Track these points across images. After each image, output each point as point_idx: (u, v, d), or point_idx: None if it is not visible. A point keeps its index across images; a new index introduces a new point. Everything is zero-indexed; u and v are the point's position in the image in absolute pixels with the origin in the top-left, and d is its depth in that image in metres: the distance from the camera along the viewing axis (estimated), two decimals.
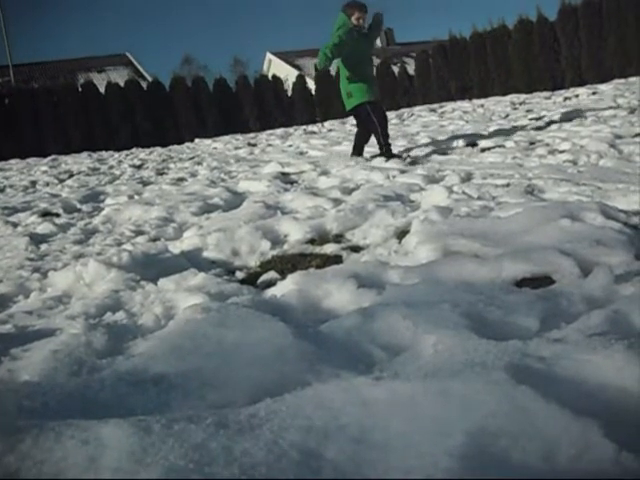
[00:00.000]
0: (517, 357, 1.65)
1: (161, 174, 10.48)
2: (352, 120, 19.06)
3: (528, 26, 24.19)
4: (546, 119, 11.51)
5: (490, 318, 2.16)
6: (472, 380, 1.49)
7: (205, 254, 4.08)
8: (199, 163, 11.64)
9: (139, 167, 12.37)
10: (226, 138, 17.98)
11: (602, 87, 17.00)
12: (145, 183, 9.08)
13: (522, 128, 10.60)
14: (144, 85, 25.42)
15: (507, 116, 13.34)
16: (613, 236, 3.19)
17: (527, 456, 1.23)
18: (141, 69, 36.04)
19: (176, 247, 4.25)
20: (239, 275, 3.68)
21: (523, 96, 18.27)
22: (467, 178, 5.97)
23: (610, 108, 11.71)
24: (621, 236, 3.21)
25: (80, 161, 14.86)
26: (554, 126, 10.35)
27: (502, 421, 1.32)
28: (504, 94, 20.99)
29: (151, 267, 3.69)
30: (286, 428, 1.38)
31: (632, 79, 18.42)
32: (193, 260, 3.93)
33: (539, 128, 10.26)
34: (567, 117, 11.15)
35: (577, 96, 15.88)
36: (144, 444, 1.31)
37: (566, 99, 15.66)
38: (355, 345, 2.07)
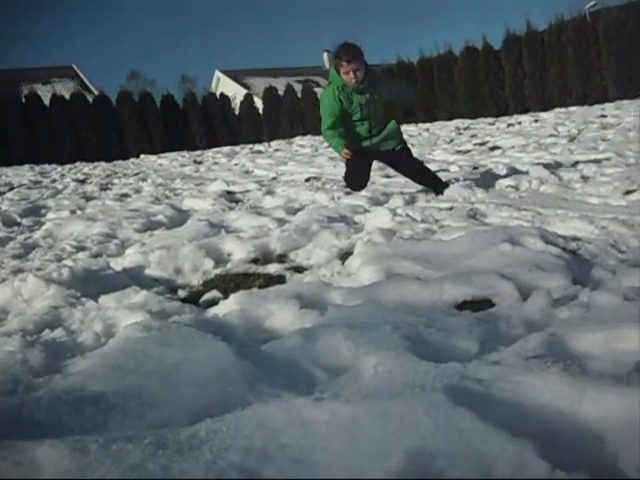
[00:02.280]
0: (456, 379, 1.68)
1: (105, 189, 10.36)
2: (298, 140, 19.16)
3: (474, 53, 24.74)
4: (490, 144, 11.75)
5: (430, 340, 2.18)
6: (411, 401, 1.50)
7: (147, 272, 4.03)
8: (144, 179, 11.54)
9: (83, 182, 12.21)
10: (172, 155, 17.89)
11: (544, 115, 17.45)
12: (88, 198, 8.96)
13: (466, 152, 10.79)
14: (90, 99, 25.14)
15: (452, 141, 13.57)
16: (552, 261, 3.26)
17: (464, 476, 1.26)
18: (87, 82, 35.66)
19: (118, 264, 4.19)
20: (181, 293, 3.65)
21: (468, 121, 18.63)
22: (411, 201, 6.04)
23: (551, 136, 12.01)
24: (559, 261, 3.28)
25: (22, 174, 14.60)
26: (497, 152, 10.56)
27: (440, 442, 1.34)
28: (449, 119, 21.38)
29: (92, 284, 3.63)
30: (226, 448, 1.38)
31: (572, 108, 18.95)
32: (135, 277, 3.88)
33: (482, 153, 10.46)
34: (510, 143, 11.39)
35: (520, 123, 16.25)
36: (80, 465, 1.29)
37: (509, 125, 16.02)
38: (296, 365, 2.07)
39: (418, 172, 6.62)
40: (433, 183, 6.43)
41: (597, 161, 7.93)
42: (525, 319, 2.44)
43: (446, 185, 6.30)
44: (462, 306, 2.78)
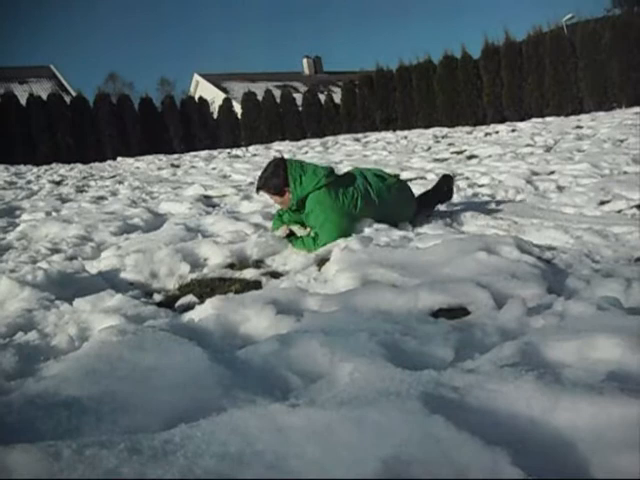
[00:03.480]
0: (431, 387, 1.68)
1: (81, 191, 10.29)
2: (276, 145, 19.17)
3: (453, 62, 24.90)
4: (467, 153, 11.82)
5: (406, 347, 2.19)
6: (387, 409, 1.51)
7: (123, 275, 4.01)
8: (120, 182, 11.48)
9: (58, 183, 12.11)
10: (149, 158, 17.80)
11: (521, 125, 17.59)
12: (64, 200, 8.89)
13: (443, 161, 10.85)
14: (67, 100, 24.95)
15: (429, 148, 13.64)
16: (527, 270, 3.29)
17: None
18: (65, 83, 35.37)
19: (93, 267, 4.17)
20: (157, 298, 3.64)
21: (446, 130, 18.74)
22: None
23: (528, 145, 12.12)
24: (535, 270, 3.31)
25: None
26: (474, 160, 10.63)
27: (415, 449, 1.34)
28: (427, 127, 21.49)
29: (67, 287, 3.61)
30: (201, 454, 1.37)
31: (549, 119, 19.14)
32: (110, 281, 3.86)
33: (460, 161, 10.52)
34: (487, 152, 11.47)
35: (497, 132, 16.38)
36: (53, 470, 1.28)
37: (487, 135, 16.13)
38: (272, 371, 2.07)
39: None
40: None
41: (573, 171, 8.01)
42: (500, 327, 2.45)
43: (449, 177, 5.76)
44: (438, 314, 2.80)
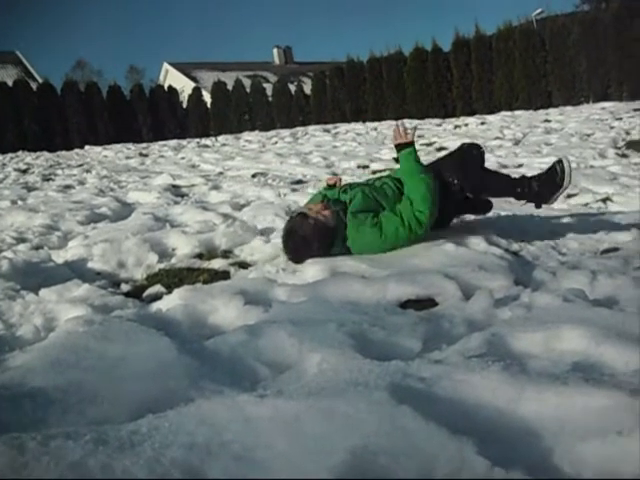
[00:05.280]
0: (399, 377, 1.69)
1: (47, 180, 10.16)
2: (246, 136, 19.11)
3: (423, 55, 24.99)
4: (436, 145, 11.88)
5: (374, 338, 2.20)
6: (355, 399, 1.51)
7: (90, 265, 3.97)
8: (88, 171, 11.36)
9: (24, 172, 11.95)
10: (117, 147, 17.63)
11: (490, 118, 17.71)
12: (30, 189, 8.78)
13: None
14: (34, 86, 24.61)
15: None
16: (495, 262, 3.32)
17: (406, 473, 1.27)
18: (31, 69, 34.82)
19: (60, 256, 4.12)
20: (124, 288, 3.61)
21: (416, 121, 18.77)
22: None
23: (497, 138, 12.21)
24: (502, 262, 3.34)
25: None
26: (443, 152, 10.65)
27: (383, 440, 1.35)
28: (397, 118, 21.47)
29: (32, 276, 3.56)
30: (168, 445, 1.36)
31: (518, 112, 19.30)
32: (77, 271, 3.82)
33: (429, 154, 10.57)
34: (456, 144, 11.51)
35: (467, 125, 16.47)
36: (16, 463, 1.27)
37: (456, 127, 16.22)
38: (240, 362, 2.07)
39: None
40: None
41: (541, 165, 8.08)
42: (467, 318, 2.47)
43: None
44: (406, 305, 2.81)
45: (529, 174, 4.20)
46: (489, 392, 1.63)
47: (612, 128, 12.46)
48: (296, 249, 3.69)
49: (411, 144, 3.64)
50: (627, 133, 11.37)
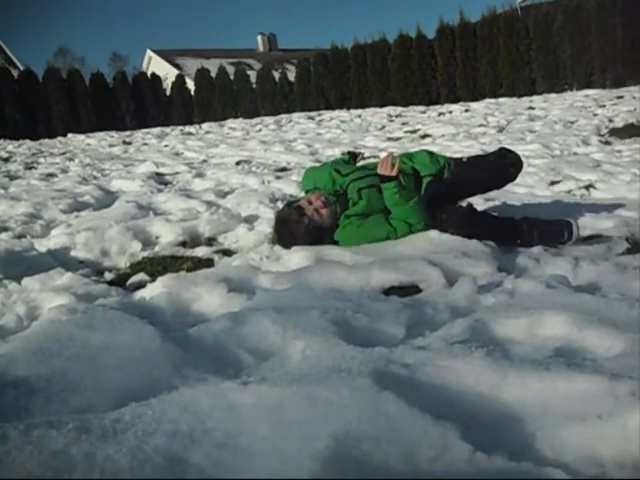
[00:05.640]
0: (382, 363, 1.70)
1: (30, 168, 10.07)
2: (230, 123, 19.04)
3: (407, 42, 24.94)
4: (420, 132, 11.88)
5: (358, 325, 2.20)
6: (338, 386, 1.52)
7: (73, 253, 3.95)
8: (71, 159, 11.27)
9: (6, 160, 11.83)
10: (101, 134, 17.50)
11: (474, 105, 17.72)
12: (12, 177, 8.70)
13: (397, 140, 10.89)
14: (15, 74, 24.36)
15: (383, 127, 13.67)
16: (478, 248, 3.33)
17: (389, 458, 1.27)
18: (12, 56, 34.47)
19: (43, 245, 4.10)
20: (108, 276, 3.60)
21: (400, 109, 18.77)
22: None
23: (481, 126, 12.23)
24: (485, 248, 3.35)
25: None
26: (428, 140, 10.70)
27: (366, 426, 1.35)
28: (381, 106, 21.48)
29: (15, 265, 3.54)
30: (151, 433, 1.36)
31: (502, 99, 19.31)
32: (60, 259, 3.80)
33: (413, 141, 10.57)
34: (440, 132, 11.55)
35: (451, 112, 16.47)
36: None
37: (440, 114, 16.21)
38: (223, 349, 2.07)
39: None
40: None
41: (524, 152, 8.11)
42: (451, 305, 2.48)
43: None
44: (389, 292, 2.82)
45: (533, 217, 3.89)
46: (472, 378, 1.64)
47: (595, 115, 12.51)
48: (284, 241, 3.72)
49: (395, 178, 3.58)
50: (610, 121, 11.41)
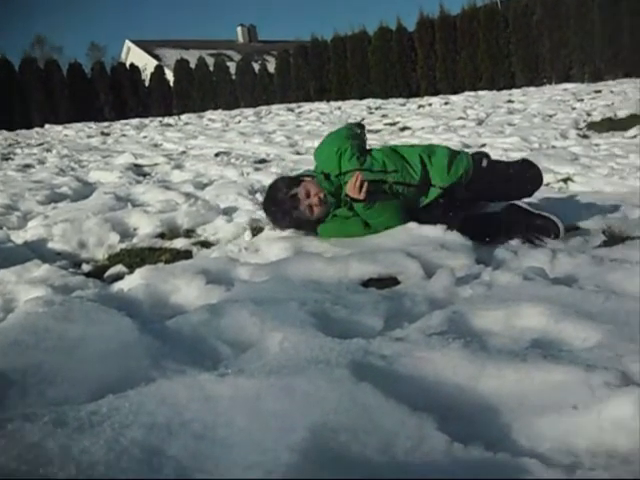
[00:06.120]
0: (360, 355, 1.70)
1: (6, 159, 9.97)
2: (209, 114, 18.97)
3: (388, 34, 24.98)
4: (400, 125, 11.90)
5: (336, 316, 2.20)
6: (316, 377, 1.52)
7: (50, 245, 3.92)
8: (48, 150, 11.18)
9: None
10: (78, 125, 17.37)
11: (454, 98, 17.79)
12: None
13: (376, 132, 10.90)
14: None
15: (363, 120, 13.67)
16: (457, 241, 3.33)
17: (366, 450, 1.28)
18: None
19: (19, 237, 4.07)
20: (85, 268, 3.57)
21: (379, 101, 18.79)
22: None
23: (460, 118, 12.28)
24: (464, 241, 3.36)
25: None
26: (407, 132, 10.72)
27: (343, 417, 1.36)
28: (361, 98, 21.50)
29: None
30: (128, 425, 1.36)
31: (481, 92, 19.40)
32: (37, 251, 3.77)
33: (392, 133, 10.59)
34: (420, 124, 11.57)
35: (430, 105, 16.52)
36: None
37: (420, 107, 16.26)
38: (202, 341, 2.06)
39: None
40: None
41: (503, 145, 8.16)
42: (429, 297, 2.48)
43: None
44: (368, 283, 2.82)
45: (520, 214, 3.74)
46: (450, 369, 1.64)
47: (574, 109, 12.60)
48: (268, 216, 3.79)
49: (362, 201, 3.52)
50: (588, 114, 11.50)
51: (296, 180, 3.68)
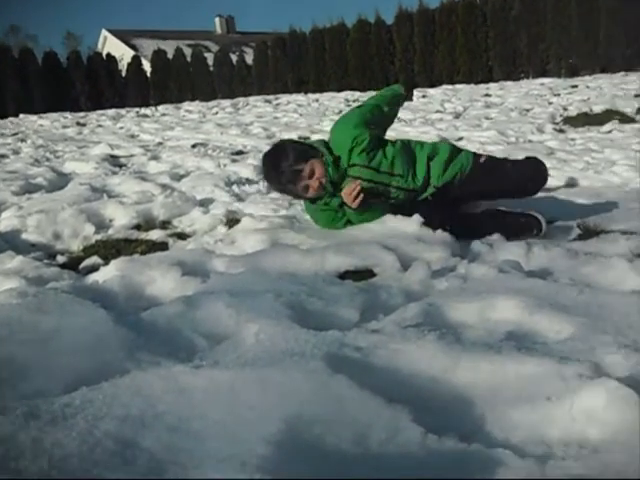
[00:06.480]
0: (335, 347, 1.70)
1: None
2: (186, 105, 18.85)
3: (366, 27, 24.98)
4: None
5: (312, 308, 2.20)
6: (291, 369, 1.52)
7: (24, 236, 3.89)
8: (23, 140, 11.05)
9: None
10: (54, 115, 17.19)
11: (431, 91, 17.81)
12: None
13: None
14: None
15: (340, 112, 13.63)
16: (433, 233, 3.34)
17: (340, 441, 1.28)
18: None
19: None
20: (60, 259, 3.54)
21: (357, 94, 18.76)
22: None
23: (437, 112, 12.30)
24: (440, 234, 3.37)
25: None
26: None
27: (318, 408, 1.36)
28: (339, 90, 21.48)
29: None
30: (102, 417, 1.35)
31: (459, 86, 19.45)
32: (11, 242, 3.74)
33: None
34: (397, 117, 11.56)
35: None
36: None
37: None
38: (177, 333, 2.05)
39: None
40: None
41: (480, 138, 8.19)
42: (405, 289, 2.49)
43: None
44: (344, 276, 2.82)
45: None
46: (425, 361, 1.65)
47: (550, 104, 12.67)
48: (264, 175, 3.78)
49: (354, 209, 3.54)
50: (565, 109, 11.57)
51: (305, 155, 3.56)
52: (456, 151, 3.78)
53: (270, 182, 3.76)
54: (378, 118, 3.77)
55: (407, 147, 3.71)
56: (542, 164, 3.87)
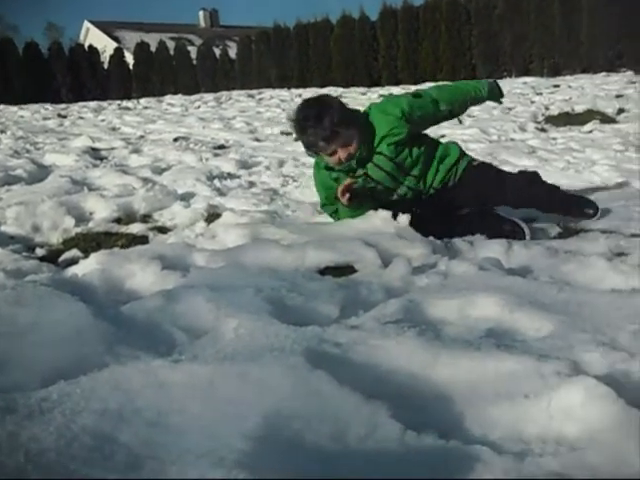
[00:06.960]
0: (315, 342, 1.70)
1: None
2: (169, 99, 18.76)
3: (350, 23, 25.02)
4: None
5: (292, 304, 2.20)
6: (270, 364, 1.51)
7: (3, 228, 3.86)
8: (2, 131, 10.94)
9: None
10: (35, 107, 17.04)
11: (415, 88, 17.81)
12: None
13: None
14: None
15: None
16: (414, 231, 3.35)
17: (319, 437, 1.28)
18: None
19: None
20: (39, 252, 3.52)
21: (340, 89, 18.77)
22: (279, 165, 6.06)
23: None
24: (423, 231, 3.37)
25: None
26: None
27: (297, 404, 1.35)
28: (322, 86, 21.46)
29: None
30: (79, 411, 1.34)
31: (442, 83, 19.47)
32: None
33: None
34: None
35: (391, 94, 16.52)
36: None
37: (381, 96, 16.24)
38: (156, 327, 2.04)
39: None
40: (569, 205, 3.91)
41: (462, 136, 8.22)
42: (385, 285, 2.49)
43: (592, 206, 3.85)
44: (325, 271, 2.82)
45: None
46: (404, 357, 1.65)
47: (533, 103, 12.74)
48: (296, 118, 3.58)
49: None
50: (547, 108, 11.64)
51: (349, 122, 3.49)
52: (461, 155, 3.80)
53: (302, 129, 3.55)
54: (432, 116, 3.73)
55: (430, 149, 3.69)
56: (540, 182, 3.86)
